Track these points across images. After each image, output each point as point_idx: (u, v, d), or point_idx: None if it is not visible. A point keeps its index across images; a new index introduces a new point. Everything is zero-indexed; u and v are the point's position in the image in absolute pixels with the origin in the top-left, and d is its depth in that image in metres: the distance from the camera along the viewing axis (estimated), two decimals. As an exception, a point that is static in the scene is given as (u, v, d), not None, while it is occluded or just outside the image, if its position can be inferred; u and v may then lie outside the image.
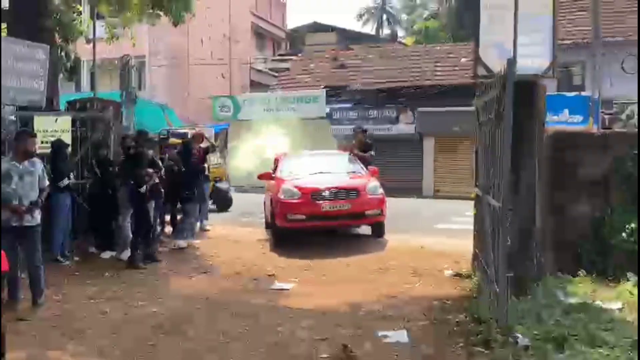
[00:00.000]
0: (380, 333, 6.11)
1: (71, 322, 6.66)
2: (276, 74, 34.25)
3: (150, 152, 10.20)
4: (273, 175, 12.11)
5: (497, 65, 7.04)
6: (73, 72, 13.47)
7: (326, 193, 10.79)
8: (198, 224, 12.83)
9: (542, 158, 7.45)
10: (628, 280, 7.52)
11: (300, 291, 8.06)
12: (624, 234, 8.00)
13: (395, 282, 8.32)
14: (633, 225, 7.91)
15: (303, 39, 39.83)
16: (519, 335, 5.62)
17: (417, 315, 6.74)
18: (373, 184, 11.26)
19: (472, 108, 8.86)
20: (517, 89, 5.85)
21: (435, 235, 12.10)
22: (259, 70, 36.68)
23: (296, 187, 10.95)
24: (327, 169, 11.93)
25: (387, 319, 6.65)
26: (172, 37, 29.82)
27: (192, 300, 7.59)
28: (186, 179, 11.12)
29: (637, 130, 8.27)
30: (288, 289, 8.17)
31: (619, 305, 6.74)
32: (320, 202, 10.73)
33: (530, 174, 6.96)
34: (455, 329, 6.21)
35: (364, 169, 12.17)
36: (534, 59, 9.07)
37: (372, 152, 13.60)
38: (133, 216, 9.77)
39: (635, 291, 7.19)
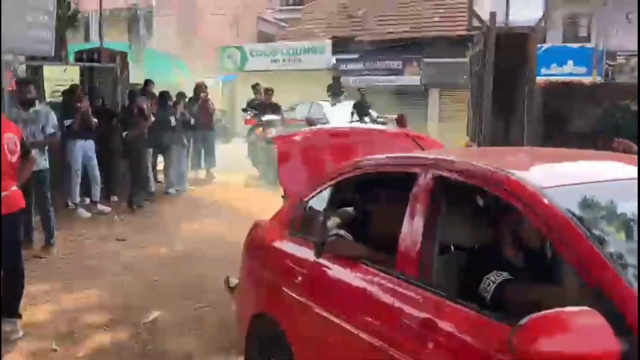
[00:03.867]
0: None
1: (84, 260, 7.14)
2: (284, 25, 34.19)
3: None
4: None
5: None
6: (71, 23, 13.59)
7: None
8: (205, 171, 13.27)
9: (532, 109, 7.72)
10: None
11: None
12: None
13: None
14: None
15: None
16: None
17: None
18: None
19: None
20: (506, 41, 6.11)
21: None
22: (267, 21, 36.55)
23: None
24: None
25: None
26: (180, -13, 29.86)
27: (196, 242, 7.98)
28: (160, 129, 11.09)
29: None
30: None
31: None
32: None
33: (518, 124, 7.24)
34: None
35: None
36: (529, 10, 9.26)
37: None
38: (129, 162, 10.25)
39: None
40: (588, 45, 20.62)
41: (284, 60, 25.41)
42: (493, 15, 5.75)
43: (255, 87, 15.20)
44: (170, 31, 30.47)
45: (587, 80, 15.95)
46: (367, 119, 15.85)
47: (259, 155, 12.54)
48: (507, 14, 7.70)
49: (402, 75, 23.88)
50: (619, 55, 19.86)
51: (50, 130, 7.40)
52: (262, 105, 13.98)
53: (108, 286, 6.19)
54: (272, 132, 12.10)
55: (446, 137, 22.38)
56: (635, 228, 2.37)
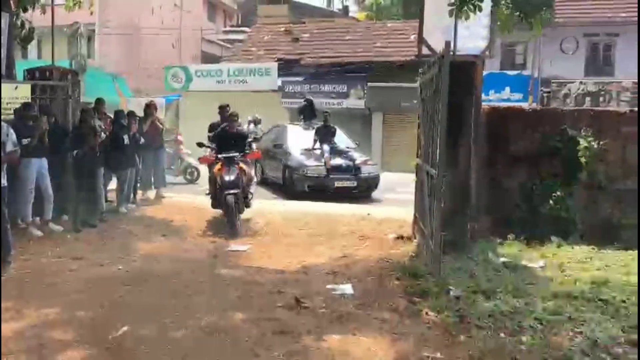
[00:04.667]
0: (328, 287, 6.76)
1: (42, 277, 7.11)
2: (228, 46, 34.39)
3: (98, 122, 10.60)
4: None
5: (440, 45, 7.69)
6: (27, 41, 13.51)
7: None
8: (154, 191, 13.28)
9: (478, 132, 8.18)
10: (552, 242, 8.47)
11: (257, 252, 8.63)
12: (550, 202, 8.88)
13: (344, 245, 8.98)
14: (558, 193, 8.83)
15: (255, 10, 39.86)
16: (452, 288, 6.38)
17: (362, 272, 7.41)
18: None
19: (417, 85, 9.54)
20: (456, 69, 6.51)
21: (382, 204, 12.85)
22: (211, 41, 36.70)
23: None
24: None
25: (335, 275, 7.30)
26: (123, 5, 29.66)
27: (153, 260, 8.07)
28: (115, 149, 11.11)
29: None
30: (245, 250, 8.73)
31: (541, 264, 7.59)
32: None
33: (466, 146, 7.67)
34: (395, 283, 6.92)
35: None
36: (475, 39, 9.78)
37: None
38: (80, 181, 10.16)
39: (558, 252, 8.11)
40: (524, 72, 21.61)
41: (229, 81, 25.56)
42: (448, 43, 6.13)
43: (223, 109, 12.81)
44: (112, 50, 30.24)
45: (525, 105, 16.75)
46: (325, 146, 14.59)
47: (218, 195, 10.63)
48: (454, 43, 8.17)
49: (347, 99, 24.38)
50: (553, 82, 20.87)
51: (10, 147, 7.38)
52: (223, 135, 11.02)
53: (70, 303, 6.20)
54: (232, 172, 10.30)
55: (391, 159, 22.95)
56: None
